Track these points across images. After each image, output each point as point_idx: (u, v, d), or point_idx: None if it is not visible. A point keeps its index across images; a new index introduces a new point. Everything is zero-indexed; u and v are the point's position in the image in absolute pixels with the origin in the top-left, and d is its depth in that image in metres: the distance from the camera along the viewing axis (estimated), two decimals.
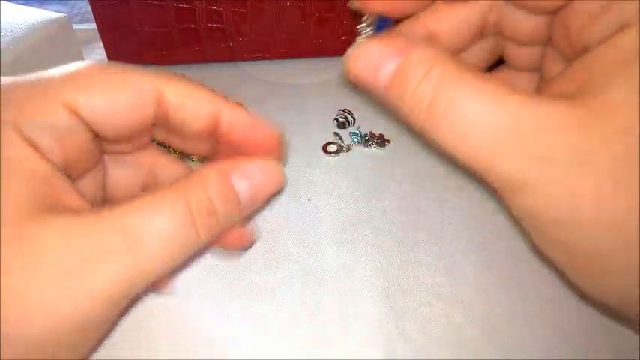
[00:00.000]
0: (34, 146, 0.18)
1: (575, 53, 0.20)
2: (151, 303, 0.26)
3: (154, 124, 0.23)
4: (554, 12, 0.21)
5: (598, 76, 0.18)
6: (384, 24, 0.23)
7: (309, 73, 0.41)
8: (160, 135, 0.25)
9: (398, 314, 0.26)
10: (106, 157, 0.24)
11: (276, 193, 0.22)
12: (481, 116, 0.18)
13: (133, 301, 0.20)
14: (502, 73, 0.26)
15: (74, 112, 0.19)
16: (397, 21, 0.24)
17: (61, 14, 0.35)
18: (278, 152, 0.24)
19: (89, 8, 0.37)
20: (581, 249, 0.19)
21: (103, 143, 0.23)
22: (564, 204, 0.18)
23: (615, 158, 0.17)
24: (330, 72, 0.42)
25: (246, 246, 0.26)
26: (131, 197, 0.19)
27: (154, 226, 0.18)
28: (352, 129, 0.36)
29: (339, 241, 0.29)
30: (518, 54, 0.25)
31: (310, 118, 0.37)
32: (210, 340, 0.25)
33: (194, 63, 0.41)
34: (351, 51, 0.21)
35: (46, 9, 0.36)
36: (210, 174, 0.21)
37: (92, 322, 0.18)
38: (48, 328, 0.17)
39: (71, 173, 0.21)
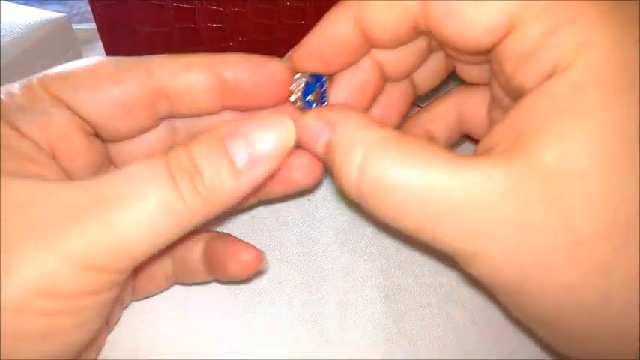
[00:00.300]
0: (15, 128, 0.19)
1: (512, 92, 0.19)
2: (150, 303, 0.26)
3: (162, 117, 0.22)
4: (484, 54, 0.20)
5: (530, 131, 0.17)
6: (318, 80, 0.23)
7: None
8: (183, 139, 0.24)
9: (398, 314, 0.26)
10: None
11: (287, 150, 0.19)
12: (410, 192, 0.17)
13: (133, 273, 0.18)
14: (457, 88, 0.26)
15: (59, 99, 0.20)
16: (330, 75, 0.23)
17: (61, 14, 0.35)
18: (289, 78, 0.22)
19: (88, 8, 0.37)
20: (539, 315, 0.18)
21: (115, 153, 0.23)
22: (512, 275, 0.17)
23: (556, 230, 0.16)
24: None
25: (253, 269, 0.24)
26: None
27: (127, 185, 0.17)
28: None
29: (339, 241, 0.29)
30: (466, 70, 0.24)
31: None
32: (210, 341, 0.25)
33: None
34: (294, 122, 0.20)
35: (46, 9, 0.36)
36: (199, 137, 0.19)
37: (62, 291, 0.16)
38: (9, 297, 0.15)
39: (67, 165, 0.20)
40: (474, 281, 0.27)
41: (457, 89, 0.26)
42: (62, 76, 0.20)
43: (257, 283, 0.27)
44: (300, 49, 0.22)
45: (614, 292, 0.16)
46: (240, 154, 0.18)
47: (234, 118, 0.24)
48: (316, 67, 0.22)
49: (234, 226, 0.29)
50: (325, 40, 0.21)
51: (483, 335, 0.25)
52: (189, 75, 0.21)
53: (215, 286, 0.27)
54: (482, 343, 0.25)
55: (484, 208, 0.16)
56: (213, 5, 0.37)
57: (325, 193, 0.32)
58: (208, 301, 0.26)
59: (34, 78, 0.20)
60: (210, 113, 0.23)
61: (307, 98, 0.23)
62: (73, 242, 0.16)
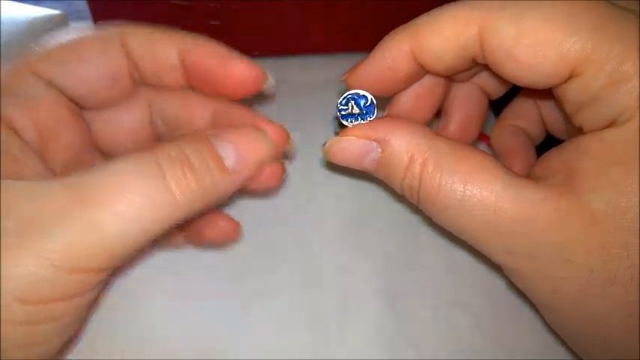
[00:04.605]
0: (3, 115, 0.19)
1: (572, 124, 0.20)
2: (148, 303, 0.26)
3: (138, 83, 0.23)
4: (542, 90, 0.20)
5: (584, 173, 0.18)
6: (365, 101, 0.22)
7: (309, 71, 0.40)
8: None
9: (399, 317, 0.26)
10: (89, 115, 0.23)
11: (267, 158, 0.21)
12: (464, 207, 0.19)
13: (117, 269, 0.18)
14: None
15: (47, 80, 0.20)
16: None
17: (58, 12, 0.35)
18: (260, 84, 0.23)
19: (85, 6, 0.37)
20: (567, 331, 0.21)
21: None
22: (547, 294, 0.19)
23: (592, 269, 0.18)
24: (330, 69, 0.41)
25: (232, 238, 0.26)
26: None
27: (112, 180, 0.16)
28: None
29: (338, 242, 0.29)
30: None
31: (310, 117, 0.37)
32: (209, 343, 0.25)
33: None
34: (331, 144, 0.22)
35: (43, 7, 0.35)
36: (188, 134, 0.19)
37: (43, 296, 0.15)
38: None
39: (52, 147, 0.21)
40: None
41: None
42: (48, 55, 0.20)
43: (256, 285, 0.27)
44: (354, 73, 0.23)
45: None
46: (229, 155, 0.20)
47: (214, 124, 0.24)
48: (370, 89, 0.22)
49: None
50: (380, 68, 0.22)
51: (486, 338, 0.25)
52: (157, 50, 0.22)
53: (214, 286, 0.26)
54: (484, 345, 0.25)
55: (531, 233, 0.18)
56: (211, 2, 0.37)
57: (325, 193, 0.31)
58: (207, 301, 0.26)
59: (22, 61, 0.20)
60: (174, 87, 0.23)
61: (347, 112, 0.22)
62: (53, 244, 0.15)
